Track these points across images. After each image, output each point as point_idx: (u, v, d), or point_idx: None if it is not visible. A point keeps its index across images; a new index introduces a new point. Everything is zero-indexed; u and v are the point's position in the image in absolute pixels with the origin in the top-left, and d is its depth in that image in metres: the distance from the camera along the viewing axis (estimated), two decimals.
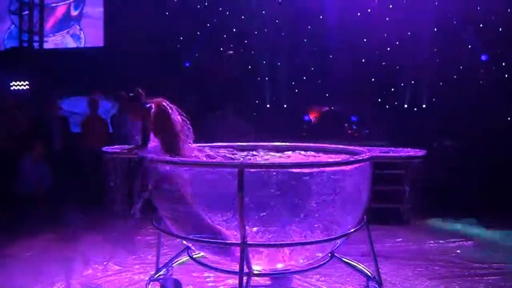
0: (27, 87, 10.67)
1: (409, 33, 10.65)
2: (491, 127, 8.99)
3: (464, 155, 8.58)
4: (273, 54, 11.14)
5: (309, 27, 11.22)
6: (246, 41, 11.47)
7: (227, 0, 11.50)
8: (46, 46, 12.47)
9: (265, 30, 11.29)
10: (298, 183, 3.30)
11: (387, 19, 10.45)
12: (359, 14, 10.71)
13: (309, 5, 11.02)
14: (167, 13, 11.28)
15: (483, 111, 9.15)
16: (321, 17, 11.23)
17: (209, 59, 11.16)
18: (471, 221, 7.25)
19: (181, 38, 11.45)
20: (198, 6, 11.44)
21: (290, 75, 10.92)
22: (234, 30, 11.51)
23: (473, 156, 8.59)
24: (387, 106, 10.75)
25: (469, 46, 10.35)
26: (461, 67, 10.42)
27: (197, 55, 11.15)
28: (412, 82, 10.64)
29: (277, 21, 11.27)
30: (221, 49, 11.42)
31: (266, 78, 11.10)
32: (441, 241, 6.22)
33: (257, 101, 10.82)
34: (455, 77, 10.36)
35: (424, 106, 10.46)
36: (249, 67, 11.34)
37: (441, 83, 10.39)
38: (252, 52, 11.32)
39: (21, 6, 11.87)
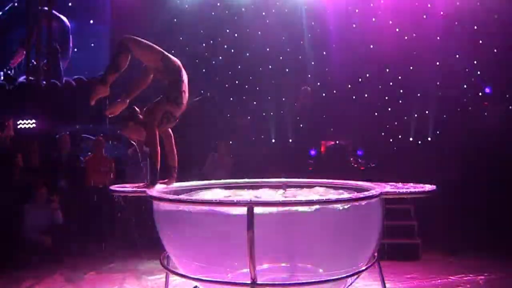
0: (34, 125, 10.66)
1: (411, 68, 10.75)
2: (497, 160, 8.96)
3: (473, 189, 8.54)
4: (278, 90, 11.25)
5: (312, 63, 11.38)
6: (251, 78, 11.60)
7: (232, 38, 11.68)
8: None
9: (270, 67, 11.45)
10: (308, 220, 3.28)
11: (390, 53, 10.54)
12: (363, 49, 10.83)
13: (314, 42, 11.21)
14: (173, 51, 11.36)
15: (488, 143, 9.14)
16: (324, 53, 11.40)
17: (214, 94, 11.28)
18: (482, 255, 7.13)
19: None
20: (204, 45, 11.60)
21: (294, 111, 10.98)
22: (239, 67, 11.66)
23: (480, 189, 8.55)
24: (391, 140, 10.76)
25: (472, 79, 10.42)
26: (464, 100, 10.47)
27: (202, 91, 11.25)
28: (416, 115, 10.67)
29: (281, 57, 11.43)
30: (226, 85, 11.54)
31: (271, 113, 11.18)
32: (451, 277, 6.12)
33: (262, 136, 10.87)
34: (459, 109, 10.40)
35: (429, 139, 10.46)
36: (254, 102, 11.45)
37: (444, 116, 10.41)
38: (257, 88, 11.43)
39: (28, 40, 11.66)
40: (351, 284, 3.75)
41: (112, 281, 6.07)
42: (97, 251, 7.70)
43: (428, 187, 3.73)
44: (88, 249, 7.72)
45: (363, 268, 3.59)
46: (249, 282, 3.12)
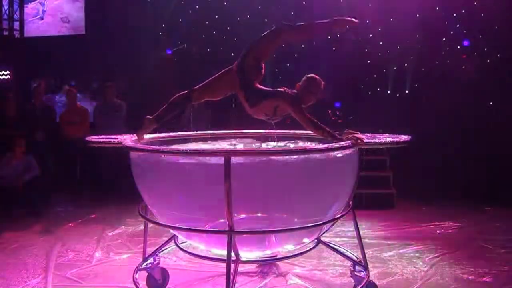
0: (8, 76, 10.56)
1: (391, 19, 10.67)
2: (472, 112, 9.13)
3: (448, 140, 8.74)
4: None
5: (292, 13, 11.17)
6: (228, 28, 11.39)
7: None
8: (28, 34, 12.26)
9: (248, 16, 11.23)
10: (284, 170, 3.32)
11: (369, 5, 10.41)
12: (341, 0, 10.67)
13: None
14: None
15: (466, 96, 9.25)
16: (303, 2, 11.20)
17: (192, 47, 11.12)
18: (456, 205, 7.34)
19: (163, 25, 11.31)
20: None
21: (273, 62, 10.85)
22: (217, 16, 11.42)
23: (457, 141, 8.75)
24: (370, 93, 10.78)
25: (451, 32, 10.40)
26: (443, 53, 10.47)
27: (179, 42, 11.05)
28: (395, 68, 10.67)
29: (259, 7, 11.20)
30: (203, 36, 11.33)
31: None
32: (424, 225, 6.32)
33: None
34: (437, 62, 10.41)
35: (407, 92, 10.51)
36: (232, 54, 11.28)
37: (423, 69, 10.43)
38: (235, 39, 11.24)
39: None
40: (326, 231, 3.86)
41: (91, 231, 6.12)
42: (77, 202, 7.75)
43: (403, 137, 3.79)
44: (68, 201, 7.77)
45: (338, 216, 3.68)
46: (226, 229, 3.18)
